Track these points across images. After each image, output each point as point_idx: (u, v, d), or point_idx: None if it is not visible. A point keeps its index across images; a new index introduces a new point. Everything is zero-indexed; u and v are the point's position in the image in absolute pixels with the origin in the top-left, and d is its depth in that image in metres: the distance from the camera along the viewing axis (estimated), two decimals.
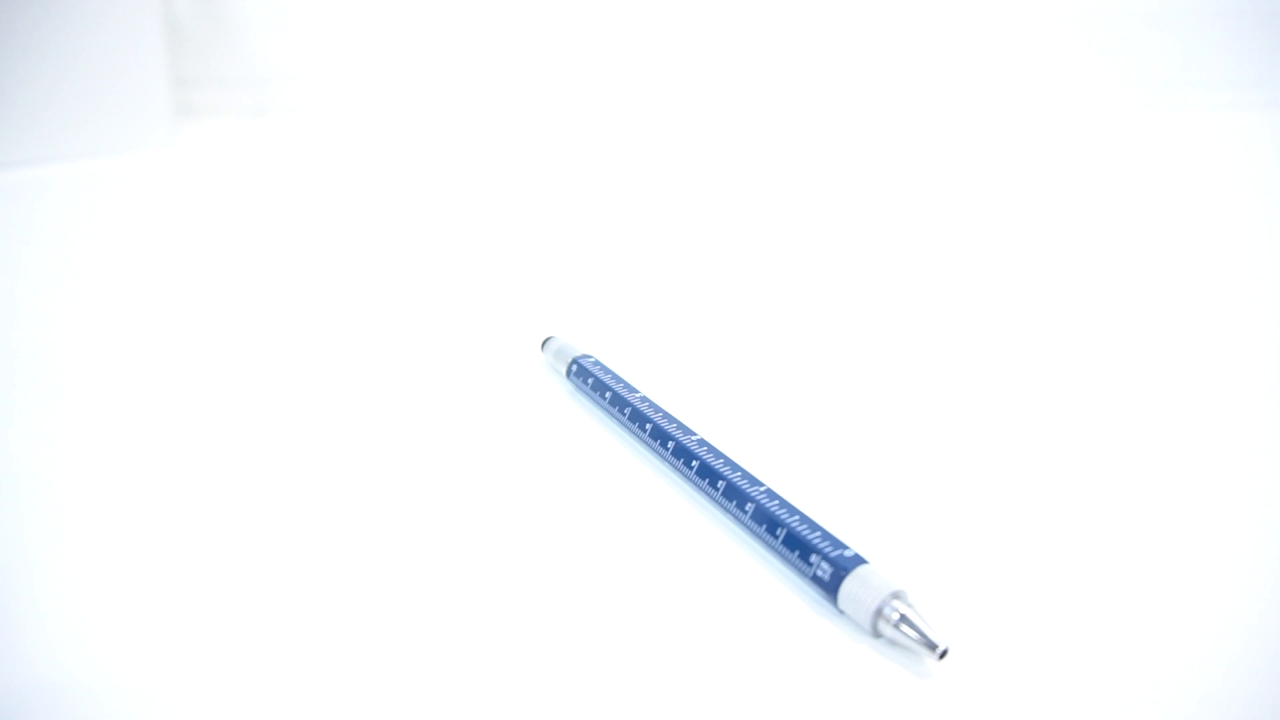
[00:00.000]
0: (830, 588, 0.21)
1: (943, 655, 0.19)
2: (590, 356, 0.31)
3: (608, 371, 0.30)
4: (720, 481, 0.24)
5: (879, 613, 0.20)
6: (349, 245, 0.49)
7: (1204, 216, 0.51)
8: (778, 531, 0.22)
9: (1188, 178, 0.60)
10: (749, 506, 0.23)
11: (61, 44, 0.61)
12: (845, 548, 0.21)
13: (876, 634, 0.20)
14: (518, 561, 0.23)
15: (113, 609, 0.22)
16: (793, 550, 0.22)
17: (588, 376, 0.30)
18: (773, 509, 0.23)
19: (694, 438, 0.26)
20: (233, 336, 0.37)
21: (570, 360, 0.31)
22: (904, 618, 0.20)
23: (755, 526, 0.23)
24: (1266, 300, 0.40)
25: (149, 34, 0.65)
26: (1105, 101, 0.79)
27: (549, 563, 0.23)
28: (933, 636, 0.19)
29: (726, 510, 0.24)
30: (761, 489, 0.24)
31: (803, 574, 0.22)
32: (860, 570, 0.21)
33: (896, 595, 0.20)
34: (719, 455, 0.25)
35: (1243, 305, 0.39)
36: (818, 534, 0.22)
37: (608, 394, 0.29)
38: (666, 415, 0.27)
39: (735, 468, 0.25)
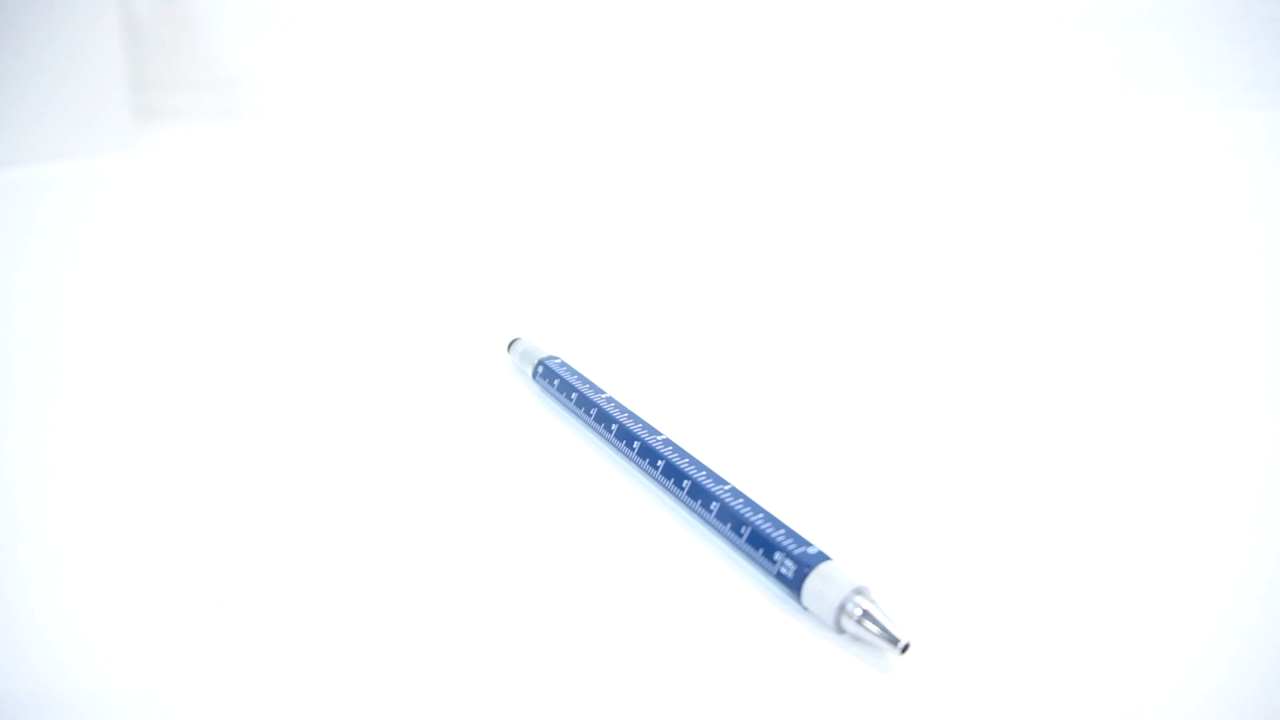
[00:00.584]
0: (794, 585, 0.21)
1: (904, 650, 0.19)
2: (556, 358, 0.31)
3: (573, 373, 0.30)
4: (685, 481, 0.24)
5: (842, 609, 0.20)
6: (315, 249, 0.48)
7: (1205, 215, 0.52)
8: (742, 530, 0.22)
9: (1189, 176, 0.60)
10: (714, 505, 0.23)
11: (14, 44, 0.60)
12: (809, 545, 0.21)
13: (840, 630, 0.20)
14: (484, 562, 0.23)
15: (71, 609, 0.22)
16: (757, 548, 0.22)
17: (554, 378, 0.30)
18: (737, 507, 0.23)
19: (659, 438, 0.26)
20: (197, 344, 0.37)
21: (536, 362, 0.31)
22: (866, 613, 0.20)
23: (720, 525, 0.23)
24: (1261, 300, 0.40)
25: (106, 34, 0.64)
26: (1104, 99, 0.80)
27: (515, 563, 0.23)
28: (895, 631, 0.19)
29: (692, 509, 0.24)
30: (726, 487, 0.24)
31: (767, 571, 0.22)
32: (823, 567, 0.21)
33: (859, 591, 0.20)
34: (684, 455, 0.25)
35: (1232, 305, 0.40)
36: (781, 531, 0.22)
37: (573, 395, 0.29)
38: (632, 416, 0.27)
39: (700, 467, 0.25)
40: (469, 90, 0.82)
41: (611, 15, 0.81)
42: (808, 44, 0.82)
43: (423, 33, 0.81)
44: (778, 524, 0.22)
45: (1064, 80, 0.81)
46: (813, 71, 0.82)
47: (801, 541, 0.22)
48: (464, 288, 0.43)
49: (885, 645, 0.19)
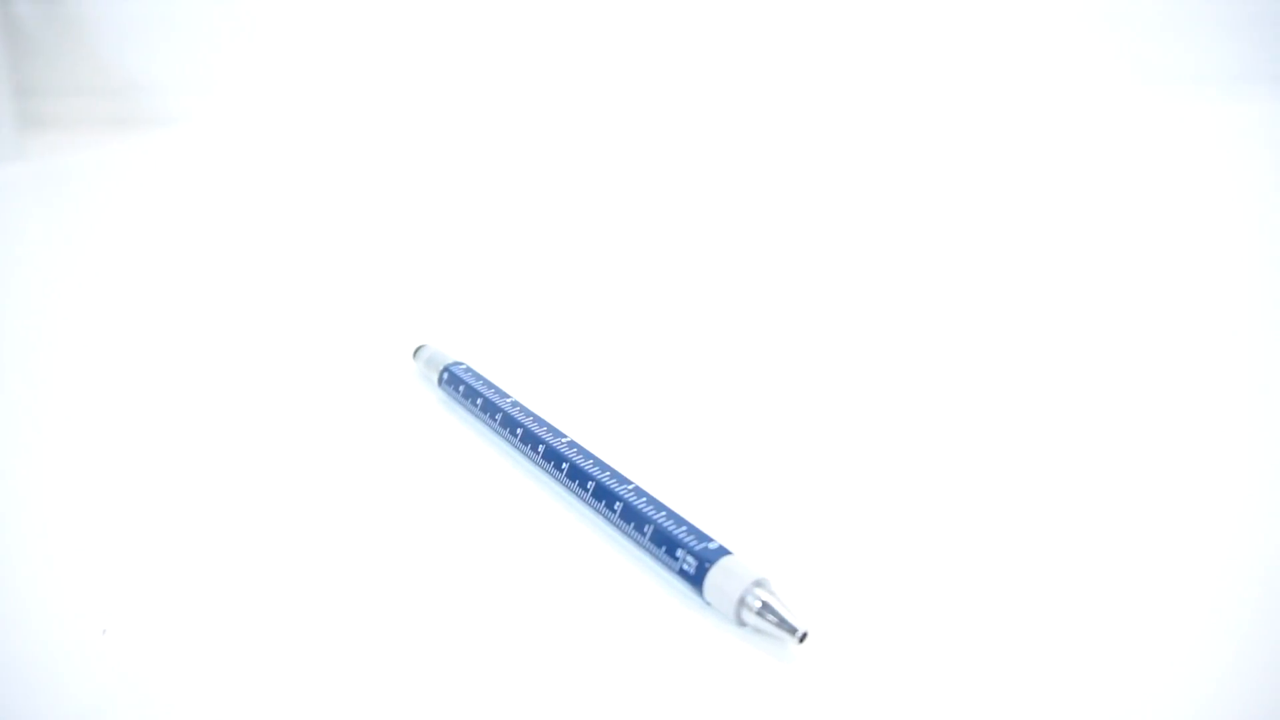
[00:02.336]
0: (695, 580, 0.21)
1: (803, 639, 0.20)
2: (461, 364, 0.31)
3: (479, 378, 0.30)
4: (590, 482, 0.24)
5: (742, 601, 0.20)
6: (212, 260, 0.47)
7: (1201, 208, 0.52)
8: (645, 528, 0.23)
9: (1185, 169, 0.61)
10: (617, 505, 0.23)
11: None
12: (710, 540, 0.22)
13: (741, 623, 0.20)
14: (392, 566, 0.23)
15: None
16: (660, 546, 0.22)
17: (459, 384, 0.30)
18: (640, 506, 0.23)
19: (564, 440, 0.26)
20: (88, 358, 0.36)
21: (441, 368, 0.31)
22: (765, 605, 0.20)
23: (624, 525, 0.23)
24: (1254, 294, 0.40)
25: None
26: (1100, 92, 0.80)
27: (424, 568, 0.23)
28: (792, 621, 0.20)
29: (597, 510, 0.24)
30: (630, 487, 0.24)
31: (670, 569, 0.22)
32: (724, 561, 0.21)
33: (758, 583, 0.20)
34: (589, 456, 0.25)
35: (1223, 298, 0.40)
36: (683, 529, 0.22)
37: (479, 400, 0.29)
38: (537, 419, 0.27)
39: (604, 468, 0.25)
40: (368, 94, 0.80)
41: (504, 17, 0.80)
42: (731, 36, 0.82)
43: (321, 38, 0.79)
44: (680, 521, 0.22)
45: (1060, 74, 0.81)
46: (729, 63, 0.82)
47: (703, 537, 0.22)
48: (369, 295, 0.42)
49: (784, 635, 0.20)
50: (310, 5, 0.78)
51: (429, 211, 0.56)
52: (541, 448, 0.26)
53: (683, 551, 0.22)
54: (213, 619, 0.21)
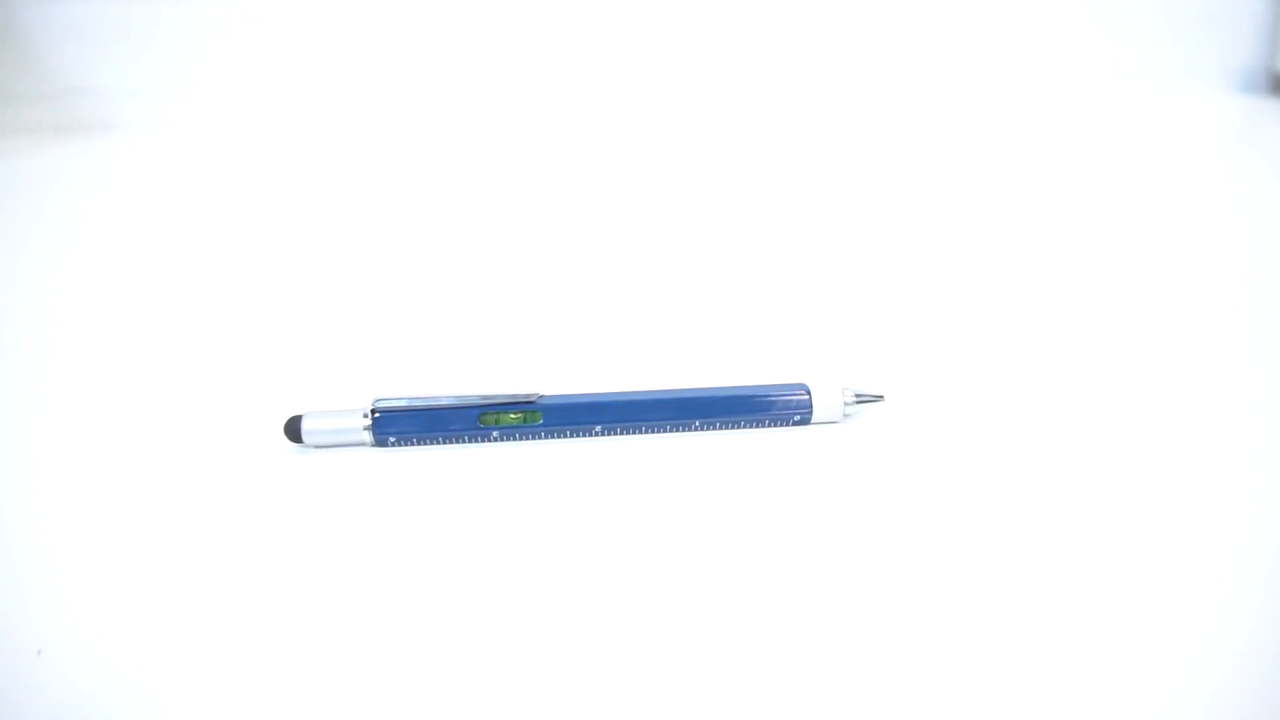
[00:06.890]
0: (805, 407, 0.28)
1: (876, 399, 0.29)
2: (381, 400, 0.27)
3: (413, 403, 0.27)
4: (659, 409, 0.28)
5: (841, 398, 0.29)
6: (165, 272, 0.41)
7: (1191, 204, 0.53)
8: (736, 405, 0.28)
9: (1174, 165, 0.62)
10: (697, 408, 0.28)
11: None
12: (786, 387, 0.29)
13: (844, 416, 0.29)
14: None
15: None
16: (757, 410, 0.28)
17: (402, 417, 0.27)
18: (713, 395, 0.28)
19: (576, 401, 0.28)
20: (33, 373, 0.32)
21: (367, 411, 0.27)
22: (855, 394, 0.29)
23: (714, 415, 0.28)
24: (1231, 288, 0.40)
25: None
26: (1105, 89, 0.82)
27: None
28: (872, 393, 0.29)
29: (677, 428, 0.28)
30: (680, 394, 0.28)
31: (770, 418, 0.28)
32: (807, 387, 0.29)
33: (843, 388, 0.29)
34: (611, 397, 0.28)
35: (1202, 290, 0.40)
36: (748, 392, 0.28)
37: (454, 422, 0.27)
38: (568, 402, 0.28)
39: (633, 397, 0.28)
40: (317, 99, 0.77)
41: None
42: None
43: (267, 42, 0.74)
44: (731, 389, 0.28)
45: (1054, 71, 0.85)
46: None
47: (782, 388, 0.29)
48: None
49: (874, 402, 0.29)
50: (256, 9, 0.74)
51: (382, 219, 0.50)
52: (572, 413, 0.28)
53: (779, 397, 0.28)
54: (160, 636, 0.20)
